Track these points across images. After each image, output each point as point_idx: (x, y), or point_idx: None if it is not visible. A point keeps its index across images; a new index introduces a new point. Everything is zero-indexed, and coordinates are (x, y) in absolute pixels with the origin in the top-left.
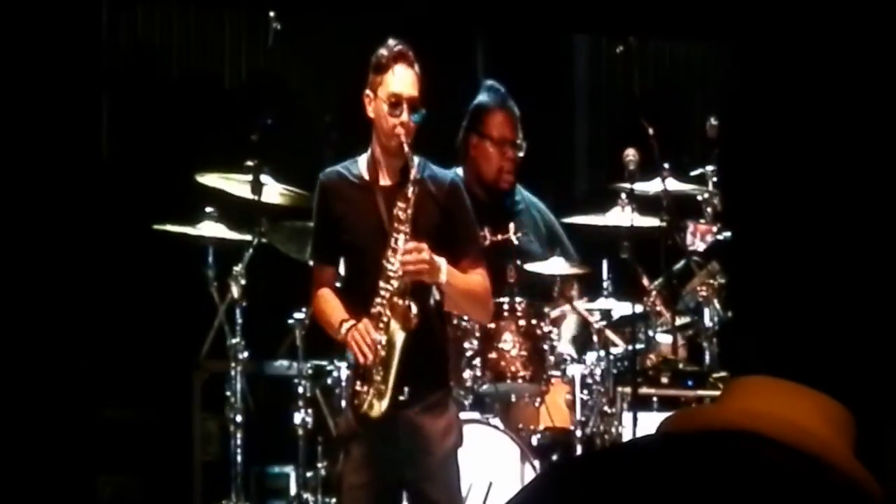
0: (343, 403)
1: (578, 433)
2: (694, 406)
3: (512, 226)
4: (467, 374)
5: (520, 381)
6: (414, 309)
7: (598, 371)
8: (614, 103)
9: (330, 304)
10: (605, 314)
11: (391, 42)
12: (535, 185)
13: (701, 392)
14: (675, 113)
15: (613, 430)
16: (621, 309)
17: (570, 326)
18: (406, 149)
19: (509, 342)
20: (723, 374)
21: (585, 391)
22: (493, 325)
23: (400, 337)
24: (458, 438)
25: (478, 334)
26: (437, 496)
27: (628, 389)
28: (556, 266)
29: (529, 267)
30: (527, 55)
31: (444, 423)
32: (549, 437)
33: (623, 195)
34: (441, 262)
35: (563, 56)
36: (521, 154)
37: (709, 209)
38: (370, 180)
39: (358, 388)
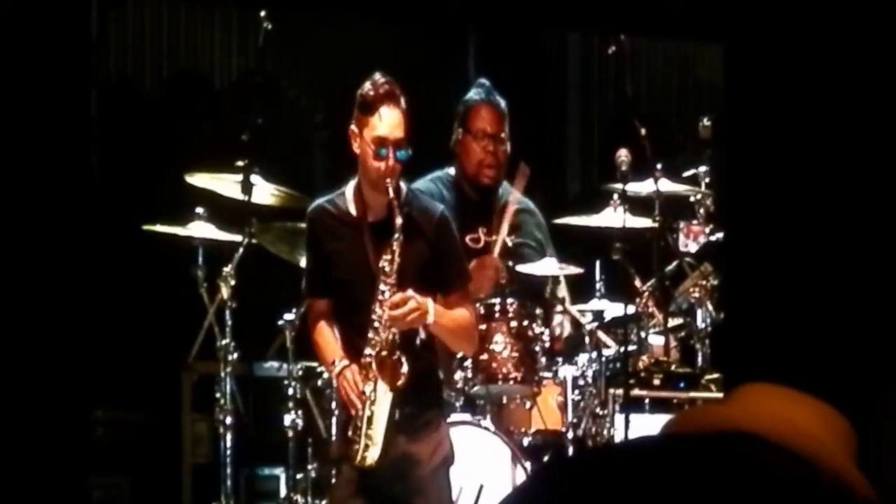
0: (334, 407)
1: (570, 435)
2: (695, 408)
3: (505, 226)
4: (458, 375)
5: (511, 382)
6: (404, 366)
7: (589, 373)
8: (606, 103)
9: (325, 337)
10: (597, 315)
11: (378, 79)
12: (527, 185)
13: (693, 394)
14: (668, 113)
15: (605, 431)
16: (613, 310)
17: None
18: (391, 193)
19: (501, 344)
20: (715, 375)
21: (577, 393)
22: (484, 327)
23: (387, 397)
24: (450, 455)
25: None
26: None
27: (620, 391)
28: (548, 267)
29: (522, 268)
30: (519, 55)
31: (435, 441)
32: (541, 439)
33: (615, 196)
34: (428, 303)
35: (555, 56)
36: (504, 148)
37: (701, 210)
38: (357, 216)
39: (350, 434)
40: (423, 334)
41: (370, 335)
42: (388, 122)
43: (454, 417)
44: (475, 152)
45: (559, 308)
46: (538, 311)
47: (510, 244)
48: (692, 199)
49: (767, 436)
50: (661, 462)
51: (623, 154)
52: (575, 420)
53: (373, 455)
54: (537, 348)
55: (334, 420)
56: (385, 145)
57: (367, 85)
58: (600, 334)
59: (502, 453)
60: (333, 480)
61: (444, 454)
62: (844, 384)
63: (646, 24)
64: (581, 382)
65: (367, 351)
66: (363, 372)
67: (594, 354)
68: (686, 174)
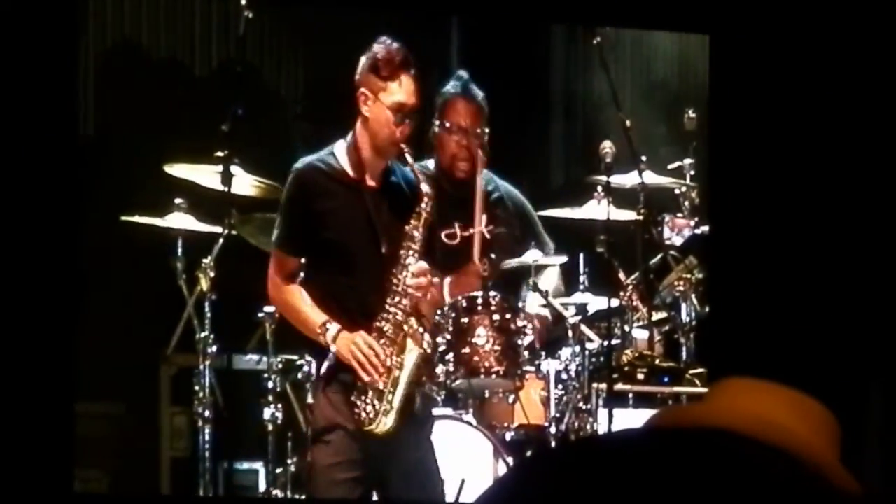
0: (315, 399)
1: (553, 430)
2: (676, 406)
3: (483, 219)
4: (440, 369)
5: (493, 376)
6: (426, 335)
7: (572, 367)
8: (591, 95)
9: (302, 299)
10: (581, 309)
11: (392, 44)
12: (511, 176)
13: (678, 388)
14: (653, 105)
15: (588, 426)
16: (597, 304)
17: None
18: (410, 159)
19: (483, 337)
20: (700, 370)
21: (560, 387)
22: (466, 320)
23: (413, 358)
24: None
25: (451, 329)
26: (419, 487)
27: (604, 386)
28: (530, 258)
29: (504, 262)
30: (502, 47)
31: (430, 426)
32: (523, 434)
33: (599, 188)
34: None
35: (539, 48)
36: (479, 142)
37: (686, 203)
38: (355, 177)
39: (358, 402)
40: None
41: (390, 300)
42: (406, 88)
43: (435, 412)
44: (449, 146)
45: (541, 301)
46: (521, 304)
47: (488, 236)
48: (677, 191)
49: (747, 431)
50: (639, 456)
51: (607, 146)
52: (558, 415)
53: (388, 422)
54: (520, 342)
55: (316, 385)
56: (404, 112)
57: (381, 49)
58: (584, 328)
59: (484, 448)
60: (316, 446)
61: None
62: (830, 378)
63: (633, 15)
64: (564, 377)
65: (386, 316)
66: (379, 337)
67: (577, 348)
68: (671, 167)
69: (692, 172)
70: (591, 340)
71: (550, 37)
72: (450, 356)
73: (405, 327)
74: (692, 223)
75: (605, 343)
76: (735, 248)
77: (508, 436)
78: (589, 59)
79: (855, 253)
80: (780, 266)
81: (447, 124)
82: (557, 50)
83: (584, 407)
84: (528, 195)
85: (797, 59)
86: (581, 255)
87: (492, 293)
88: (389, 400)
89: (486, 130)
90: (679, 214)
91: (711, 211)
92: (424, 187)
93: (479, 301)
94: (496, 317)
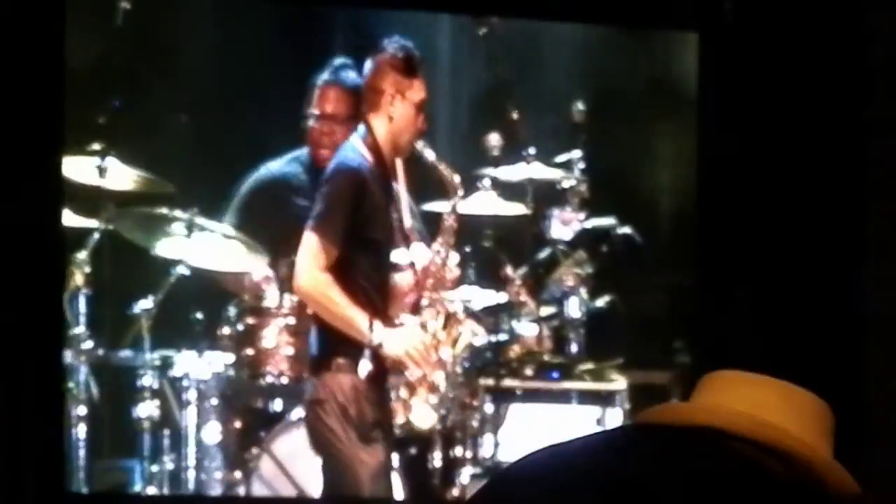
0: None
1: (438, 426)
2: (663, 405)
3: None
4: None
5: None
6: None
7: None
8: (477, 86)
9: (346, 299)
10: (466, 303)
11: (406, 43)
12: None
13: (567, 384)
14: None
15: (475, 423)
16: (483, 298)
17: None
18: (432, 154)
19: None
20: (590, 365)
21: (445, 383)
22: None
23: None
24: None
25: None
26: None
27: (491, 381)
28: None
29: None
30: (388, 37)
31: None
32: (408, 430)
33: (485, 181)
34: None
35: (424, 37)
36: (348, 129)
37: (575, 197)
38: (386, 178)
39: (408, 399)
40: None
41: (432, 294)
42: (423, 85)
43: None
44: (316, 134)
45: None
46: None
47: None
48: (565, 185)
49: (736, 430)
50: (625, 454)
51: (493, 138)
52: (443, 411)
53: (431, 419)
54: None
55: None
56: (424, 108)
57: (397, 48)
58: (469, 322)
59: None
60: (361, 446)
61: None
62: (817, 371)
63: (617, 14)
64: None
65: (433, 309)
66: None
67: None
68: (559, 160)
69: (581, 166)
70: (476, 335)
71: (436, 25)
72: None
73: (451, 321)
74: (581, 217)
75: (492, 338)
76: (726, 240)
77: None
78: (475, 49)
79: (840, 247)
80: (771, 261)
81: (316, 112)
82: (443, 39)
83: (469, 402)
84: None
85: (785, 57)
86: (466, 250)
87: None
88: (430, 399)
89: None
90: (568, 208)
91: (699, 206)
92: (455, 178)
93: None
94: None
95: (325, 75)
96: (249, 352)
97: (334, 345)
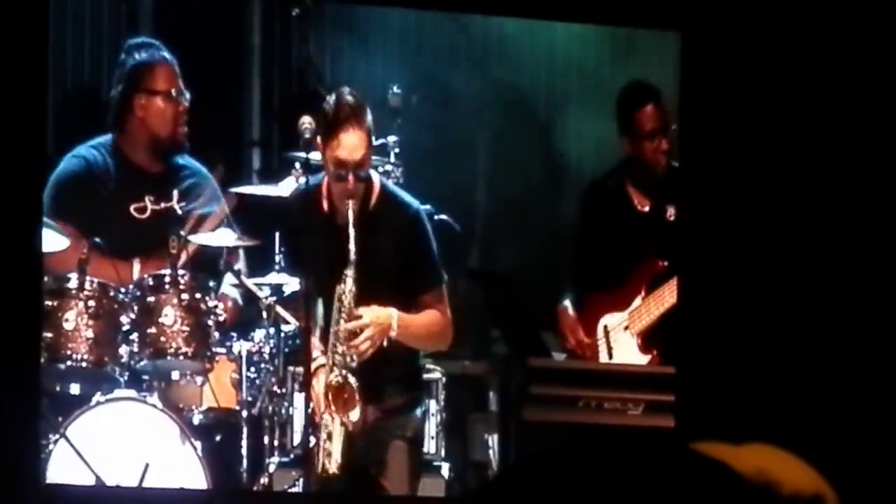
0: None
1: (245, 413)
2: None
3: (176, 193)
4: (123, 349)
5: (181, 357)
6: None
7: (266, 349)
8: (289, 68)
9: None
10: (276, 289)
11: (342, 98)
12: (204, 154)
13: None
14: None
15: (283, 411)
16: (294, 285)
17: None
18: (351, 217)
19: (170, 317)
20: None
21: (253, 370)
22: (152, 299)
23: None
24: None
25: (136, 307)
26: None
27: (300, 369)
28: (222, 238)
29: (194, 238)
30: (196, 17)
31: (413, 422)
32: (213, 417)
33: (297, 164)
34: (391, 316)
35: (234, 18)
36: (183, 107)
37: (391, 180)
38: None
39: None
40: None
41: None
42: (347, 144)
43: (118, 393)
44: (167, 114)
45: (234, 280)
46: (212, 283)
47: (180, 212)
48: (381, 169)
49: (736, 467)
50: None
51: (306, 121)
52: (250, 398)
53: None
54: (210, 322)
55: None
56: (345, 167)
57: (331, 103)
58: (279, 309)
59: (170, 431)
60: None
61: (414, 434)
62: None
63: (600, 11)
64: (257, 359)
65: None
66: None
67: (272, 330)
68: (375, 143)
69: (396, 150)
70: (287, 322)
71: (246, 7)
72: (134, 336)
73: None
74: None
75: (302, 325)
76: (708, 241)
77: (196, 419)
78: (288, 30)
79: (833, 251)
80: (755, 263)
81: (158, 91)
82: (254, 22)
83: (278, 391)
84: (223, 172)
85: (768, 56)
86: (278, 234)
87: (181, 272)
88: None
89: (188, 96)
90: None
91: (681, 205)
92: (352, 247)
93: (168, 279)
94: (185, 296)
95: (145, 55)
96: (48, 334)
97: None
